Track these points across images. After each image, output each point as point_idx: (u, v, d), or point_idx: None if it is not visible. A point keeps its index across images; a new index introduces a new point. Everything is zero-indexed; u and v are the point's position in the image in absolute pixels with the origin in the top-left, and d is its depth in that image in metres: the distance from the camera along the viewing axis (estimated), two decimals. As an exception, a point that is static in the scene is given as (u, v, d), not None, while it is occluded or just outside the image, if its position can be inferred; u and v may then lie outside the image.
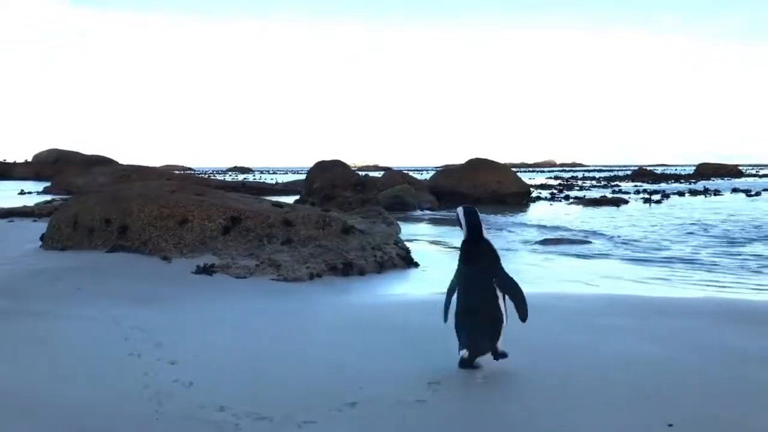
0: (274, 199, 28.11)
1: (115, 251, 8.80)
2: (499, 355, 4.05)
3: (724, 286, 8.78)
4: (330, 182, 25.96)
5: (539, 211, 24.54)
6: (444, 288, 4.48)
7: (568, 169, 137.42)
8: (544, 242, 13.58)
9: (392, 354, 4.74)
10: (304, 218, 9.38)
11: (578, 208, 26.29)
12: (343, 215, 12.53)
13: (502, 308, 4.01)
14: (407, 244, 14.11)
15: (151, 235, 8.84)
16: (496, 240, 15.04)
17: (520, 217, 21.65)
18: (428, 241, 14.54)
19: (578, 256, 11.88)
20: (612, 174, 76.06)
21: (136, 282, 7.55)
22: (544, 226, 18.86)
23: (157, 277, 7.84)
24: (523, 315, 4.04)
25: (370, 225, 11.62)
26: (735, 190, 37.06)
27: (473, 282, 4.06)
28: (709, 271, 10.20)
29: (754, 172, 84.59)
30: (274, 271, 8.07)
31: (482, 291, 4.01)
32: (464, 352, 3.96)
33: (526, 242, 13.76)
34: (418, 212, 23.67)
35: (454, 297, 4.21)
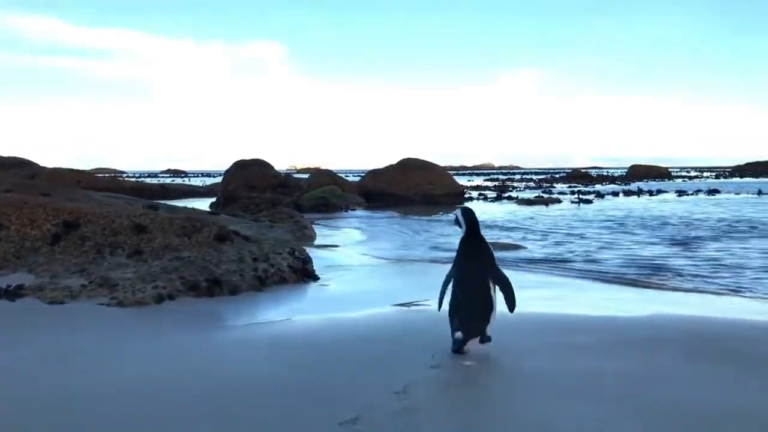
0: (194, 201, 25.66)
1: None
2: (485, 339, 4.31)
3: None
4: (247, 183, 23.86)
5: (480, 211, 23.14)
6: (344, 308, 5.10)
7: (505, 171, 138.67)
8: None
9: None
10: (163, 223, 7.37)
11: (512, 207, 25.09)
12: (233, 219, 10.57)
13: (494, 299, 4.30)
14: (322, 251, 12.35)
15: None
16: (426, 240, 13.39)
17: (453, 217, 20.17)
18: (350, 248, 12.69)
19: (513, 262, 10.33)
20: (548, 176, 76.39)
21: None
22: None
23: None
24: (511, 307, 4.32)
25: (264, 230, 9.69)
26: (660, 191, 36.99)
27: (469, 274, 4.34)
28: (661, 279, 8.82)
29: (683, 174, 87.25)
30: (106, 293, 6.05)
31: (476, 282, 4.29)
32: (459, 334, 4.21)
33: (448, 251, 12.11)
34: (345, 214, 21.84)
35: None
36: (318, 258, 10.82)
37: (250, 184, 23.76)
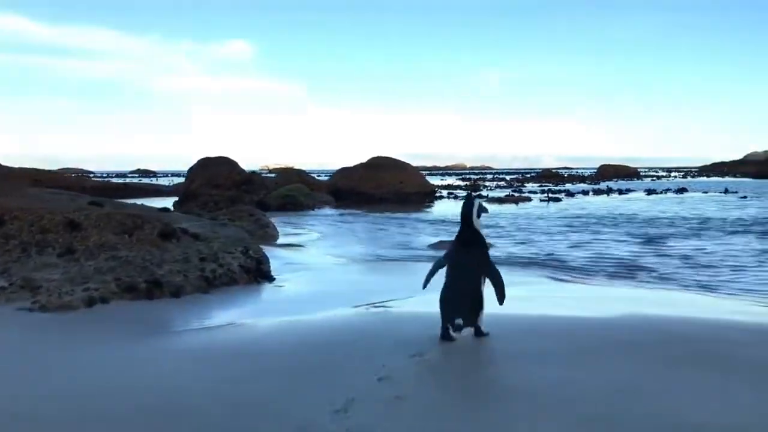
0: (158, 200, 24.77)
1: None
2: (481, 333, 4.33)
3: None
4: (211, 181, 23.06)
5: (443, 210, 22.72)
6: (298, 310, 5.05)
7: (477, 172, 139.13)
8: (439, 245, 11.53)
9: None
10: (99, 220, 6.75)
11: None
12: (185, 217, 9.96)
13: (483, 292, 4.29)
14: (283, 251, 11.79)
15: None
16: (393, 239, 12.92)
17: (422, 215, 19.72)
18: (314, 247, 12.15)
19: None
20: (519, 176, 76.60)
21: None
22: (444, 221, 17.00)
23: None
24: (501, 300, 4.34)
25: (217, 228, 9.10)
26: (630, 190, 37.17)
27: (465, 265, 4.34)
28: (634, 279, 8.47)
29: (651, 173, 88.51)
30: (28, 296, 5.44)
31: (468, 275, 4.29)
32: (460, 321, 4.23)
33: (415, 249, 11.65)
34: (313, 213, 21.24)
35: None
36: (278, 258, 10.27)
37: (215, 183, 22.98)
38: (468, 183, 54.85)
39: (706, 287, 7.86)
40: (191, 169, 25.36)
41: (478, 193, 34.74)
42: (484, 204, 4.69)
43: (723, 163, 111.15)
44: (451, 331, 4.27)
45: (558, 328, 4.99)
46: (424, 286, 4.48)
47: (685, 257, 10.16)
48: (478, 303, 4.29)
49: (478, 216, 4.46)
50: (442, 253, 10.93)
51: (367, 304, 6.31)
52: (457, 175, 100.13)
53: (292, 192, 22.75)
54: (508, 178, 69.90)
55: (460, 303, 4.29)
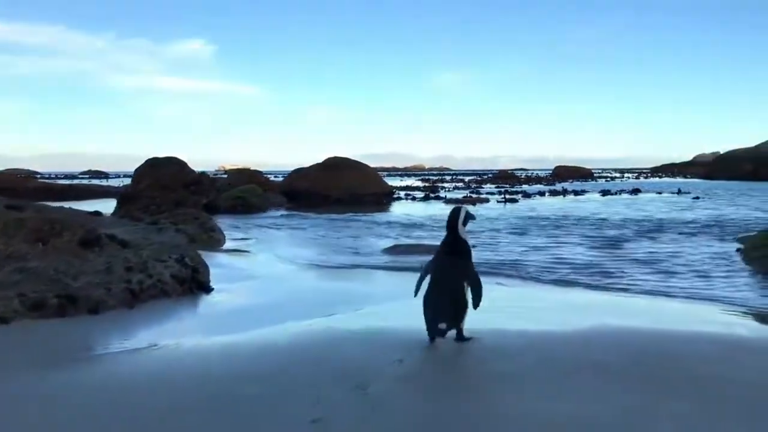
0: (103, 203, 23.52)
1: None
2: (462, 338, 4.38)
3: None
4: (158, 182, 22.01)
5: (400, 211, 22.20)
6: (231, 328, 4.83)
7: (436, 173, 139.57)
8: (393, 249, 11.00)
9: None
10: (7, 226, 5.96)
11: (440, 207, 24.41)
12: (118, 221, 9.16)
13: (466, 297, 4.35)
14: (229, 257, 11.06)
15: None
16: (347, 244, 12.31)
17: (379, 217, 19.15)
18: (262, 252, 11.44)
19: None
20: (476, 177, 76.86)
21: None
22: (402, 224, 16.50)
23: None
24: (476, 304, 4.36)
25: (151, 234, 8.35)
26: (585, 191, 37.49)
27: (449, 272, 4.42)
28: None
29: (605, 174, 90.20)
30: None
31: (452, 280, 4.38)
32: (443, 325, 4.28)
33: (368, 254, 11.07)
34: (265, 215, 20.43)
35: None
36: (220, 265, 9.57)
37: (162, 184, 21.94)
38: (427, 184, 54.59)
39: (668, 292, 7.53)
40: (138, 169, 24.25)
41: (436, 194, 34.43)
42: (471, 211, 4.71)
43: (673, 165, 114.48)
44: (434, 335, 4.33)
45: (526, 344, 4.51)
46: (416, 294, 4.49)
47: (644, 261, 9.86)
48: (462, 307, 4.35)
49: (465, 224, 4.54)
50: (397, 258, 10.43)
51: (310, 320, 5.74)
52: (416, 176, 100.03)
53: (244, 193, 21.92)
54: (466, 179, 70.01)
55: (442, 307, 4.34)
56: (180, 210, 13.03)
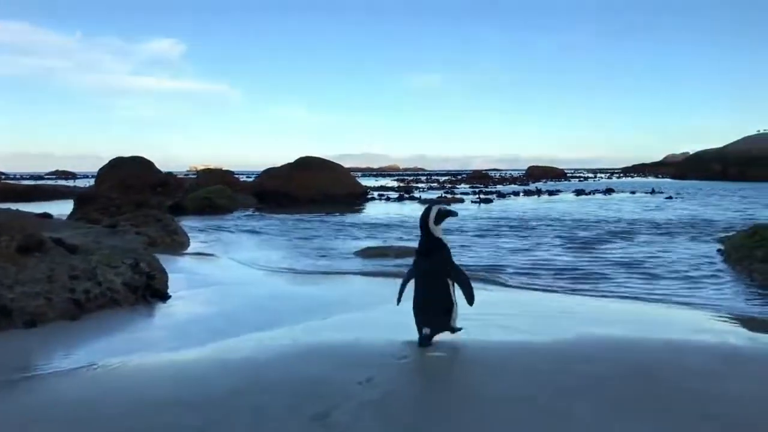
0: (66, 204, 22.73)
1: None
2: (455, 330, 4.42)
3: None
4: (122, 182, 21.35)
5: (374, 212, 21.76)
6: (184, 341, 4.53)
7: (410, 174, 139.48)
8: (364, 252, 10.56)
9: None
10: (-66, 230, 5.37)
11: (414, 207, 24.03)
12: (70, 224, 8.57)
13: (453, 297, 4.35)
14: (192, 261, 10.50)
15: None
16: (318, 247, 11.82)
17: (352, 218, 18.68)
18: (228, 256, 10.90)
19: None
20: (451, 177, 76.82)
21: None
22: (375, 225, 16.05)
23: None
24: (470, 300, 4.36)
25: (104, 237, 7.78)
26: (559, 191, 37.51)
27: (428, 274, 4.37)
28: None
29: (577, 175, 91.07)
30: None
31: (436, 281, 4.33)
32: (427, 330, 4.27)
33: (338, 258, 10.57)
34: (233, 217, 19.78)
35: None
36: (181, 270, 9.05)
37: (126, 184, 21.27)
38: (402, 184, 54.29)
39: (650, 297, 7.21)
40: (101, 170, 23.46)
41: (410, 194, 34.07)
42: (449, 208, 4.63)
43: (644, 165, 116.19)
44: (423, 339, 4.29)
45: (509, 356, 4.16)
46: (398, 301, 4.48)
47: (624, 263, 9.57)
48: (449, 306, 4.33)
49: (438, 222, 4.43)
50: (368, 261, 9.99)
51: (272, 330, 5.28)
52: (391, 176, 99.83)
53: (212, 194, 21.26)
54: (441, 179, 69.88)
55: (430, 311, 4.32)
56: (141, 211, 12.39)
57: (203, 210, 20.86)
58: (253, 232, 15.09)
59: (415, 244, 12.66)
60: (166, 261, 9.87)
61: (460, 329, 4.48)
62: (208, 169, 26.69)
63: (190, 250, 11.72)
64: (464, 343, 4.55)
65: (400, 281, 8.40)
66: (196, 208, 20.89)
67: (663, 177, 76.47)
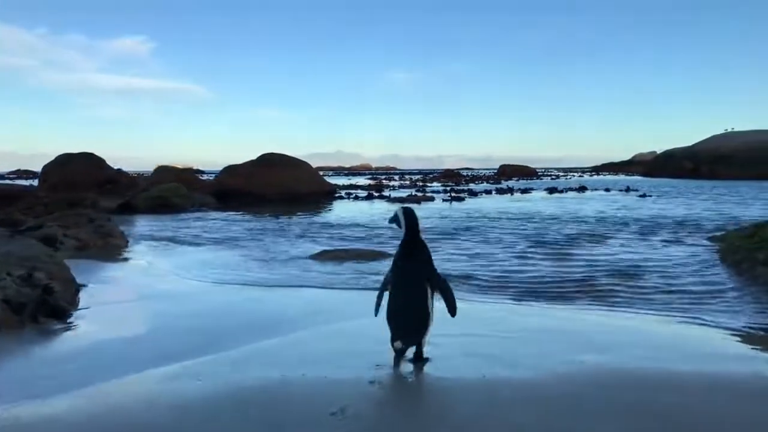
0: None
1: None
2: (421, 358, 3.99)
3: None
4: (69, 180, 19.78)
5: (341, 212, 20.53)
6: (65, 380, 3.75)
7: (382, 172, 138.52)
8: (321, 256, 9.38)
9: None
10: None
11: (383, 206, 22.91)
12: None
13: (430, 307, 3.97)
14: (124, 268, 9.18)
15: None
16: (274, 253, 10.56)
17: (315, 219, 17.44)
18: (169, 262, 9.62)
19: (369, 273, 7.81)
20: (422, 176, 75.97)
21: None
22: (340, 225, 14.84)
23: None
24: (452, 312, 4.01)
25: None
26: (532, 189, 36.80)
27: (407, 278, 4.02)
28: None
29: (548, 173, 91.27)
30: None
31: (414, 288, 3.98)
32: (398, 344, 3.92)
33: (294, 263, 9.35)
34: (187, 216, 18.36)
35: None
36: (106, 280, 7.82)
37: (72, 181, 19.72)
38: (375, 182, 53.23)
39: (646, 308, 6.18)
40: (45, 167, 21.83)
41: (380, 193, 32.92)
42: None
43: (613, 164, 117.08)
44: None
45: (488, 400, 3.09)
46: (376, 313, 4.05)
47: (611, 268, 8.54)
48: (425, 321, 3.95)
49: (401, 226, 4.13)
50: (324, 267, 8.79)
51: (193, 359, 4.14)
52: (363, 175, 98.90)
53: (165, 192, 19.82)
54: (413, 178, 68.97)
55: (406, 320, 3.95)
56: (73, 211, 11.02)
57: (156, 209, 19.44)
58: (203, 234, 13.77)
59: (379, 248, 11.08)
60: (88, 269, 8.59)
61: (427, 360, 4.01)
62: (165, 166, 25.15)
63: (125, 254, 10.41)
64: (442, 379, 3.49)
65: (357, 293, 7.11)
66: (148, 207, 19.46)
67: (634, 175, 76.79)
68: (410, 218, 4.12)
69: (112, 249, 10.67)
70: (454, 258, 9.55)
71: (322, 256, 9.21)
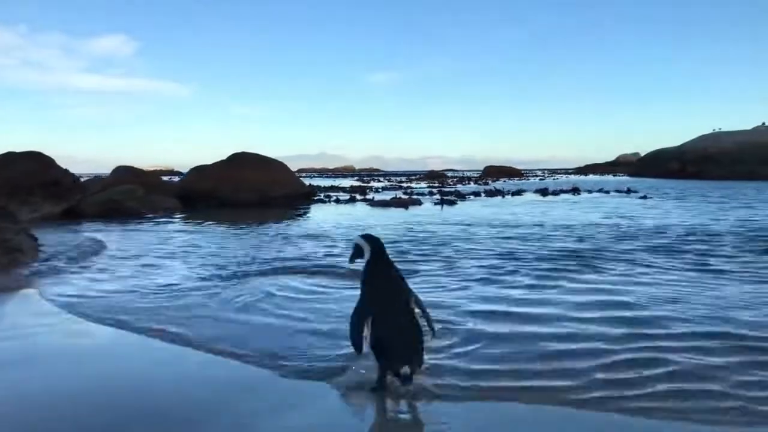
0: None
1: None
2: (411, 380, 3.66)
3: None
4: (9, 182, 17.39)
5: (319, 217, 18.24)
6: None
7: (366, 174, 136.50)
8: (275, 272, 7.18)
9: None
10: None
11: (365, 211, 20.71)
12: None
13: (420, 323, 3.79)
14: (19, 292, 6.97)
15: None
16: (231, 272, 8.16)
17: (286, 226, 15.15)
18: (70, 287, 7.38)
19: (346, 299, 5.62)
20: (405, 178, 74.02)
21: None
22: (317, 236, 12.60)
23: None
24: (433, 330, 3.96)
25: None
26: (522, 191, 34.91)
27: (394, 298, 3.74)
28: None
29: (532, 174, 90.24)
30: None
31: (403, 306, 3.75)
32: (406, 369, 3.60)
33: (244, 274, 7.11)
34: (141, 223, 15.95)
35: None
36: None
37: (13, 184, 17.35)
38: (360, 184, 51.27)
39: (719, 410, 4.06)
40: (-17, 166, 19.30)
41: (363, 195, 30.72)
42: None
43: (597, 165, 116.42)
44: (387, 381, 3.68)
45: None
46: (360, 351, 3.62)
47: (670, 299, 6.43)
48: (422, 338, 3.72)
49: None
50: (274, 284, 6.57)
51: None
52: (346, 177, 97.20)
53: (118, 196, 17.47)
54: (397, 179, 67.13)
55: (407, 342, 3.64)
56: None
57: (108, 214, 17.10)
58: (156, 245, 11.47)
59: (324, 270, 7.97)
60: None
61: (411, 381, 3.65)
62: (125, 166, 22.75)
63: (28, 274, 8.14)
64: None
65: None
66: (98, 212, 17.10)
67: (621, 175, 75.60)
68: (374, 241, 3.92)
69: (14, 268, 8.38)
70: (442, 286, 7.36)
71: (277, 273, 6.96)
